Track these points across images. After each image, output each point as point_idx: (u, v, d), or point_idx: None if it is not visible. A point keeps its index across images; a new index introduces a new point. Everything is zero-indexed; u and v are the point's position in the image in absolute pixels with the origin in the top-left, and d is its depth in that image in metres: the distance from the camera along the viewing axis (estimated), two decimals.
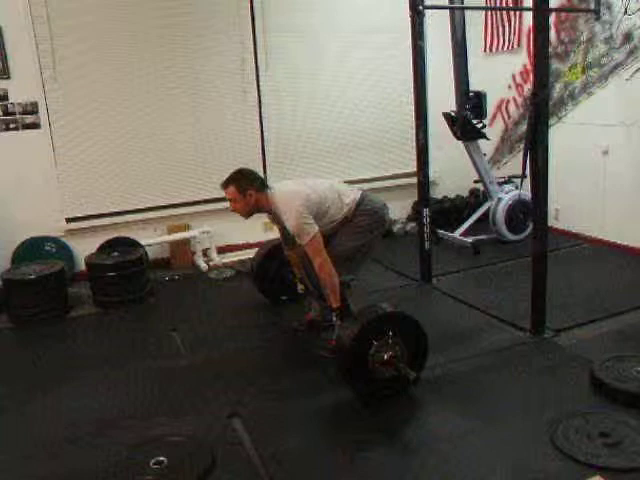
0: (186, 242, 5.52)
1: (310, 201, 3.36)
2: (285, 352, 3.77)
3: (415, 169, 4.70)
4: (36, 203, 5.02)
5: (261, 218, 5.68)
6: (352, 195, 3.57)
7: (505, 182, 5.73)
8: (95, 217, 5.25)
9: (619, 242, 5.12)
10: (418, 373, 3.01)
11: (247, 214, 3.50)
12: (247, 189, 3.40)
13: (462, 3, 5.16)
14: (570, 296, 4.16)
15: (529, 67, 5.68)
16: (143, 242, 5.12)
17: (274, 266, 4.34)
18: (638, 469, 2.38)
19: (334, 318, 3.34)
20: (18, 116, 4.87)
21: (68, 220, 5.19)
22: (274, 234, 5.81)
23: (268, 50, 5.50)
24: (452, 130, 5.44)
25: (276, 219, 3.59)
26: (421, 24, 4.29)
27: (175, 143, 5.39)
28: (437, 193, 6.31)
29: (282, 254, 4.03)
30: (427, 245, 4.68)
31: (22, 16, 4.73)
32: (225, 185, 3.44)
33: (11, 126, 4.87)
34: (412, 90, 4.48)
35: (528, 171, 3.57)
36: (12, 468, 2.70)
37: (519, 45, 5.84)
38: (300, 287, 3.94)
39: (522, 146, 3.89)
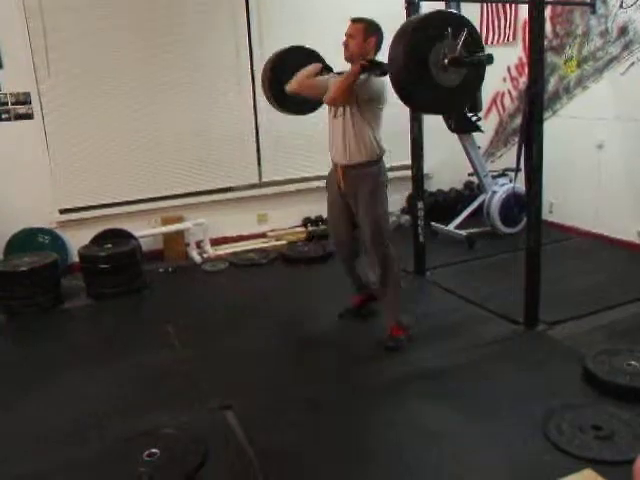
0: (180, 234, 5.50)
1: (381, 113, 3.49)
2: (279, 345, 3.76)
3: (409, 162, 4.69)
4: (29, 194, 4.98)
5: (254, 211, 5.75)
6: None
7: (499, 175, 5.74)
8: (88, 208, 5.22)
9: (613, 236, 5.13)
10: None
11: (351, 54, 3.41)
12: (371, 36, 3.39)
13: None
14: (563, 289, 4.17)
15: (524, 60, 5.66)
16: (137, 234, 5.10)
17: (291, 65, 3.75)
18: (629, 462, 2.37)
19: (364, 73, 3.27)
20: (10, 106, 4.84)
21: (61, 211, 5.16)
22: (268, 226, 5.84)
23: (262, 43, 5.46)
24: (447, 123, 5.42)
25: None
26: None
27: (169, 135, 5.36)
28: (431, 186, 6.31)
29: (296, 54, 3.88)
30: (421, 238, 4.68)
31: (14, 5, 4.68)
32: (357, 20, 3.44)
33: (3, 116, 4.83)
34: None
35: (522, 164, 3.58)
36: (2, 463, 2.68)
37: (514, 38, 5.83)
38: None
39: (517, 139, 3.89)
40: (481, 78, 3.10)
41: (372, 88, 3.35)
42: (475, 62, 2.93)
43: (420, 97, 3.01)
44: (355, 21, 3.45)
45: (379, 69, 3.26)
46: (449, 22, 2.94)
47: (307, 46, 3.97)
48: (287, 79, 3.62)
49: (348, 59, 3.44)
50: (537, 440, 2.58)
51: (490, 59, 2.93)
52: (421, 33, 2.90)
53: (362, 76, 3.31)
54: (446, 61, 2.89)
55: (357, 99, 3.35)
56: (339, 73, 3.56)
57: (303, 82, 3.55)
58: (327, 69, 3.75)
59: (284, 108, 3.96)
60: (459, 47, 2.89)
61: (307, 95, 3.59)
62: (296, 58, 3.82)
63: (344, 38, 3.45)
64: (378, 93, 3.36)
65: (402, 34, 2.92)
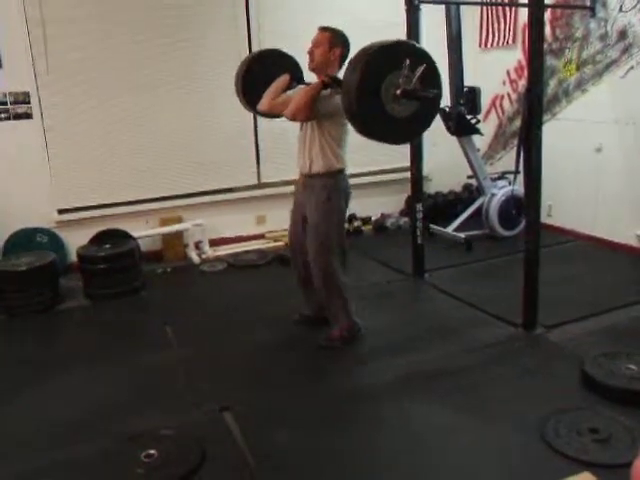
0: (178, 235, 5.50)
1: (345, 127, 3.40)
2: (277, 345, 3.76)
3: (409, 164, 4.69)
4: (27, 194, 4.97)
5: (253, 212, 5.75)
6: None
7: (498, 178, 5.74)
8: (87, 209, 5.21)
9: (611, 239, 5.13)
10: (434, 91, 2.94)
11: (316, 65, 3.41)
12: (337, 46, 3.39)
13: None
14: (562, 292, 4.16)
15: (524, 63, 5.67)
16: (135, 234, 5.09)
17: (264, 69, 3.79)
18: (626, 465, 2.36)
19: (326, 89, 3.28)
20: (10, 106, 4.83)
21: (60, 211, 5.15)
22: (266, 227, 5.84)
23: (262, 44, 5.46)
24: (446, 125, 5.43)
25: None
26: (416, 19, 4.28)
27: (169, 135, 5.36)
28: (430, 188, 6.31)
29: (271, 58, 3.86)
30: (420, 240, 4.69)
31: (14, 5, 4.67)
32: (324, 29, 3.43)
33: (2, 116, 4.82)
34: None
35: (521, 167, 3.58)
36: None
37: (514, 41, 5.84)
38: None
39: (516, 142, 3.90)
40: (433, 113, 3.09)
41: (333, 103, 3.29)
42: (424, 97, 2.92)
43: (368, 124, 2.97)
44: (322, 29, 3.44)
45: (340, 87, 3.17)
46: (410, 54, 2.91)
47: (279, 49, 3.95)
48: (259, 90, 3.62)
49: (313, 70, 3.44)
50: (535, 443, 2.58)
51: (437, 96, 2.95)
52: (378, 60, 2.87)
53: (324, 92, 3.30)
54: (398, 92, 2.89)
55: (318, 113, 3.33)
56: (307, 84, 3.56)
57: (271, 104, 3.56)
58: (297, 80, 3.73)
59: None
60: (415, 80, 2.88)
61: (280, 114, 3.56)
62: (267, 64, 3.80)
63: (309, 46, 3.43)
64: (340, 109, 3.20)
65: (359, 58, 2.88)
